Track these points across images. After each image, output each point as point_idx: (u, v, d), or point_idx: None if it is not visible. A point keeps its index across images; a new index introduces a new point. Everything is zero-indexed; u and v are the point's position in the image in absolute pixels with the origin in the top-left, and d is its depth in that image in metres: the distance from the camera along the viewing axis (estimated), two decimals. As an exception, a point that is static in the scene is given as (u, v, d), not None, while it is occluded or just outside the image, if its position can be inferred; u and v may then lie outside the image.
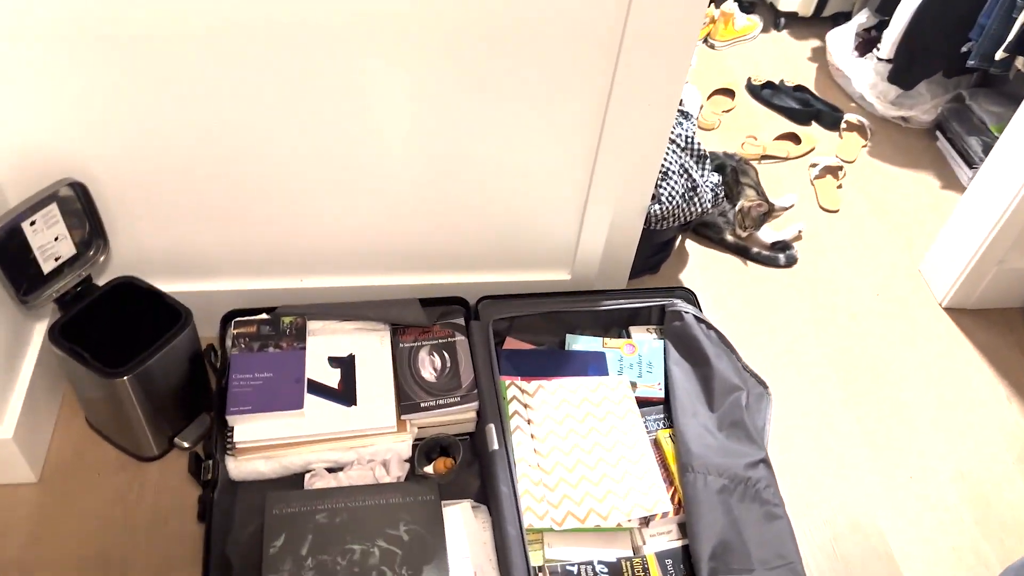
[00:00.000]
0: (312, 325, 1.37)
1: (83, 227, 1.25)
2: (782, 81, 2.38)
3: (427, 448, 1.31)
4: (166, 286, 1.32)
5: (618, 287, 1.59)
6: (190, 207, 1.31)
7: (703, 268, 1.83)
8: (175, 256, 1.37)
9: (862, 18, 2.38)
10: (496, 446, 1.25)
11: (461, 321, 1.41)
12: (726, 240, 1.86)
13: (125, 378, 1.19)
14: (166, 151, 1.22)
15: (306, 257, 1.41)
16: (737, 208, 1.81)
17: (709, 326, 1.44)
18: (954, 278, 1.77)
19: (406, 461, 1.29)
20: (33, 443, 1.30)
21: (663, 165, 1.58)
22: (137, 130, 1.19)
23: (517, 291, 1.46)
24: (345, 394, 1.30)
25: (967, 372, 1.68)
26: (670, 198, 1.57)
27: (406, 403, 1.30)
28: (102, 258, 1.28)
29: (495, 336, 1.43)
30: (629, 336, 1.49)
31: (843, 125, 2.26)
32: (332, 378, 1.32)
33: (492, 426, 1.27)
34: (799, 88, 2.37)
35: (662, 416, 1.39)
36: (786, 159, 2.16)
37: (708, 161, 1.67)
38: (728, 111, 2.30)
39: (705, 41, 2.54)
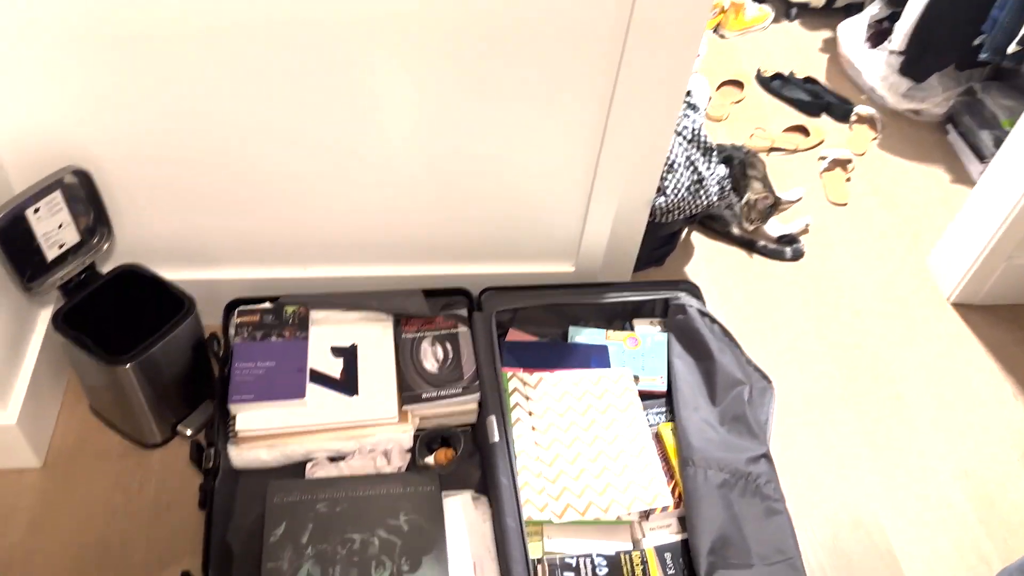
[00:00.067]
0: (315, 315, 1.37)
1: (87, 214, 1.25)
2: (792, 72, 2.36)
3: (428, 439, 1.31)
4: (170, 274, 1.33)
5: (622, 280, 1.59)
6: (194, 195, 1.31)
7: (709, 261, 1.82)
8: (179, 244, 1.37)
9: (874, 9, 2.36)
10: (497, 438, 1.25)
11: (464, 312, 1.41)
12: (732, 233, 1.85)
13: (128, 365, 1.20)
14: (171, 139, 1.22)
15: (310, 246, 1.41)
16: (743, 201, 1.80)
17: (713, 320, 1.43)
18: (962, 273, 1.76)
19: (407, 451, 1.29)
20: (37, 428, 1.30)
21: (669, 158, 1.57)
22: (142, 118, 1.19)
23: (520, 283, 1.46)
24: (347, 384, 1.30)
25: (973, 369, 1.67)
26: (675, 191, 1.56)
27: (408, 394, 1.30)
28: (106, 246, 1.29)
29: (498, 327, 1.43)
30: (632, 329, 1.49)
31: (853, 117, 2.24)
32: (334, 368, 1.32)
33: (493, 418, 1.27)
34: (809, 80, 2.35)
35: (664, 409, 1.39)
36: (795, 151, 2.14)
37: (715, 154, 1.66)
38: (737, 102, 2.29)
39: (715, 31, 2.53)
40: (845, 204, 2.01)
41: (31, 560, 1.22)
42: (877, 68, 2.27)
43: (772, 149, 2.13)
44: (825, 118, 2.27)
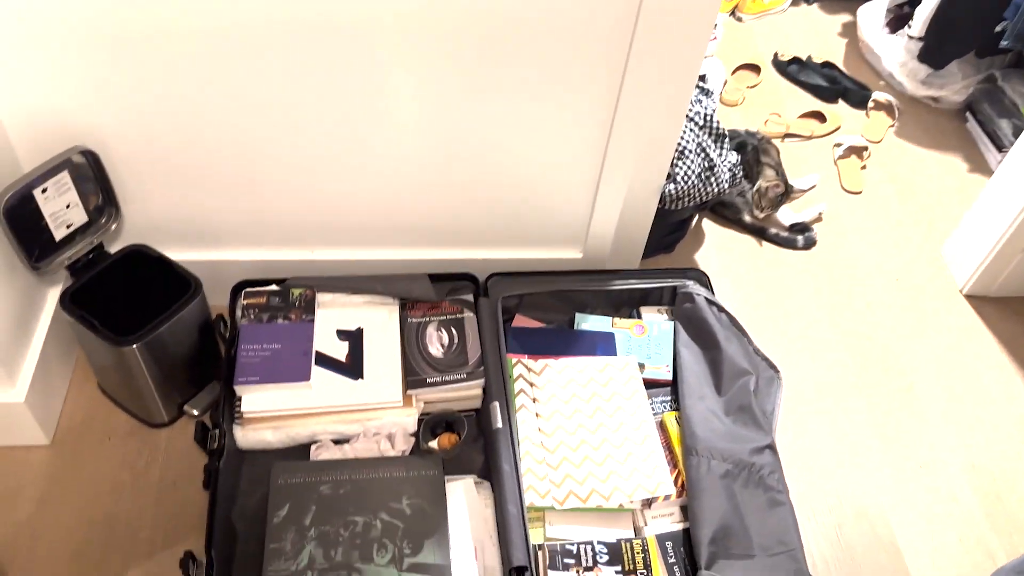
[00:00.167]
0: (321, 298, 1.37)
1: (95, 195, 1.26)
2: (810, 57, 2.33)
3: (432, 423, 1.32)
4: (177, 254, 1.33)
5: (631, 266, 1.58)
6: (202, 176, 1.31)
7: (720, 248, 1.80)
8: (187, 225, 1.37)
9: (895, -7, 2.32)
10: (500, 424, 1.25)
11: (470, 297, 1.41)
12: (744, 220, 1.84)
13: (134, 346, 1.20)
14: (179, 121, 1.22)
15: (317, 229, 1.41)
16: (755, 188, 1.78)
17: (721, 309, 1.42)
18: (976, 264, 1.74)
19: (411, 435, 1.30)
20: (45, 406, 1.32)
21: (680, 144, 1.55)
22: (150, 99, 1.19)
23: (527, 268, 1.45)
24: (352, 367, 1.30)
25: (984, 362, 1.65)
26: (686, 178, 1.55)
27: (412, 378, 1.30)
28: (114, 226, 1.29)
29: (504, 313, 1.43)
30: (640, 316, 1.48)
31: (870, 104, 2.21)
32: (340, 351, 1.32)
33: (496, 404, 1.27)
34: (827, 64, 2.32)
35: (669, 398, 1.38)
36: (810, 138, 2.11)
37: (727, 140, 1.64)
38: (753, 87, 2.26)
39: (732, 13, 2.49)
40: (860, 192, 1.99)
41: (39, 536, 1.23)
42: (896, 54, 2.23)
43: (787, 135, 2.10)
44: (842, 104, 2.24)
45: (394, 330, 1.36)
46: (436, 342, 1.35)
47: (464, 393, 1.32)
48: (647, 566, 1.17)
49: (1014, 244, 1.66)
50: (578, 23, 1.15)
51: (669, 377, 1.40)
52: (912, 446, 1.49)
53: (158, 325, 1.22)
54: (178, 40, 1.12)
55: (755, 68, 2.30)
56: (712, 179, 1.58)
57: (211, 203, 1.35)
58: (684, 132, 1.57)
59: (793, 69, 2.30)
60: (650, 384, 1.38)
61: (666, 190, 1.54)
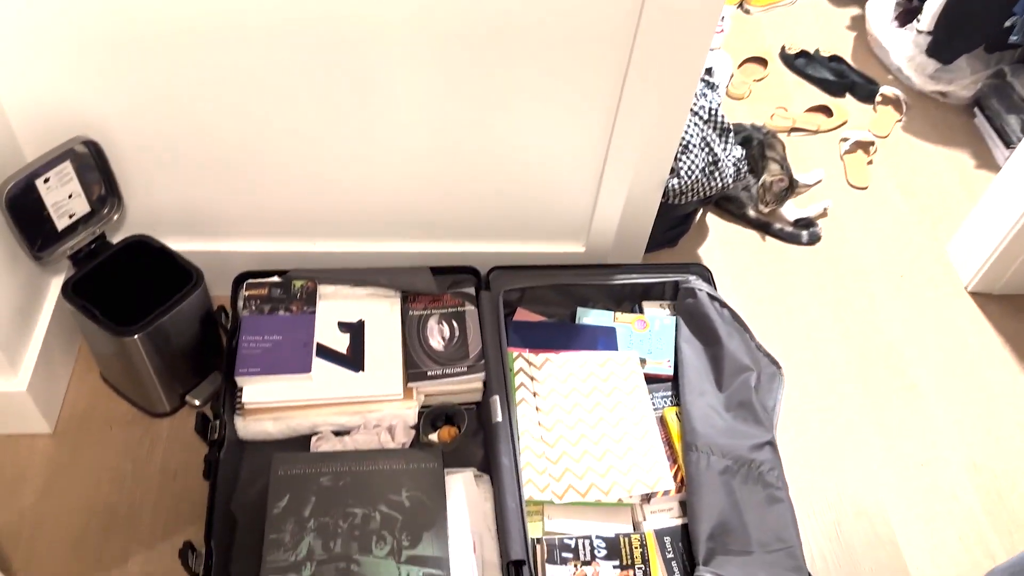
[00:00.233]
0: (323, 289, 1.37)
1: (98, 185, 1.26)
2: (817, 50, 2.31)
3: (433, 416, 1.32)
4: (180, 245, 1.33)
5: (633, 261, 1.57)
6: (204, 167, 1.31)
7: (723, 243, 1.80)
8: (189, 215, 1.38)
9: (904, -14, 2.30)
10: (499, 418, 1.25)
11: (472, 291, 1.41)
12: (748, 215, 1.83)
13: (136, 336, 1.21)
14: (182, 111, 1.22)
15: (319, 220, 1.41)
16: (759, 183, 1.77)
17: (723, 304, 1.42)
18: (982, 261, 1.73)
19: (411, 428, 1.30)
20: (48, 395, 1.32)
21: (684, 138, 1.54)
22: (153, 89, 1.19)
23: (530, 262, 1.45)
24: (353, 359, 1.31)
25: (988, 359, 1.64)
26: (689, 172, 1.54)
27: (413, 371, 1.30)
28: (116, 216, 1.29)
29: (506, 306, 1.43)
30: (642, 311, 1.48)
31: (878, 98, 2.19)
32: (341, 343, 1.32)
33: (496, 398, 1.27)
34: (835, 58, 2.30)
35: (670, 393, 1.38)
36: (816, 132, 2.10)
37: (732, 134, 1.63)
38: (760, 80, 2.25)
39: (740, 6, 2.47)
40: (866, 188, 1.98)
41: (41, 524, 1.24)
42: (904, 48, 2.22)
43: (793, 129, 2.09)
44: (849, 98, 2.22)
45: (395, 323, 1.36)
46: (437, 335, 1.35)
47: (464, 386, 1.32)
48: (645, 561, 1.17)
49: (1020, 241, 1.65)
50: (582, 17, 1.15)
51: (670, 372, 1.40)
52: (913, 444, 1.49)
53: (159, 315, 1.23)
54: (181, 31, 1.12)
55: (762, 61, 2.29)
56: (716, 174, 1.58)
57: (213, 194, 1.35)
58: (688, 126, 1.56)
59: (800, 62, 2.29)
60: (651, 379, 1.38)
61: (669, 185, 1.53)
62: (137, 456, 1.32)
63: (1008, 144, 2.03)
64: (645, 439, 1.28)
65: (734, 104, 2.15)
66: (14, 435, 1.32)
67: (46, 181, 1.17)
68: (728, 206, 1.84)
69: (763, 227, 1.83)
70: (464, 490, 1.23)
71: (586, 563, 1.17)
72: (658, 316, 1.46)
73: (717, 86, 1.69)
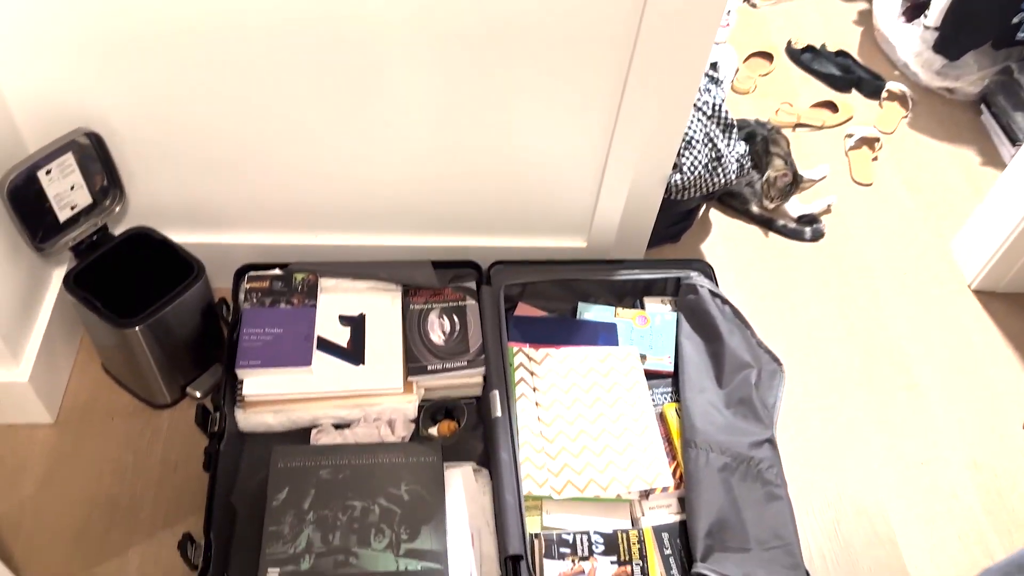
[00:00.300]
0: (324, 283, 1.37)
1: (100, 176, 1.26)
2: (824, 45, 2.30)
3: (432, 410, 1.32)
4: (182, 237, 1.33)
5: (636, 257, 1.57)
6: (206, 159, 1.31)
7: (726, 239, 1.79)
8: (191, 208, 1.38)
9: (912, -19, 2.28)
10: (499, 413, 1.25)
11: (473, 285, 1.41)
12: (751, 211, 1.82)
13: (137, 328, 1.21)
14: (184, 103, 1.22)
15: (321, 213, 1.41)
16: (763, 178, 1.77)
17: (724, 301, 1.42)
18: (986, 259, 1.72)
19: (411, 421, 1.30)
20: (49, 386, 1.33)
21: (687, 134, 1.54)
22: (154, 82, 1.19)
23: (531, 257, 1.45)
24: (354, 353, 1.31)
25: (991, 358, 1.64)
26: (692, 168, 1.54)
27: (413, 365, 1.30)
28: (118, 208, 1.30)
29: (507, 301, 1.43)
30: (643, 307, 1.48)
31: (884, 94, 2.18)
32: (342, 336, 1.32)
33: (496, 393, 1.27)
34: (841, 53, 2.29)
35: (670, 390, 1.38)
36: (821, 128, 2.09)
37: (735, 130, 1.63)
38: (765, 75, 2.24)
39: (746, 0, 2.46)
40: (870, 184, 1.97)
41: (42, 513, 1.25)
42: (911, 43, 2.20)
43: (798, 125, 2.08)
44: (855, 94, 2.21)
45: (396, 316, 1.36)
46: (438, 329, 1.35)
47: (464, 381, 1.32)
48: (643, 557, 1.17)
49: (1024, 240, 1.65)
50: (584, 14, 1.14)
51: (670, 368, 1.40)
52: (914, 442, 1.49)
53: (161, 308, 1.23)
54: (184, 25, 1.12)
55: (768, 56, 2.28)
56: (719, 170, 1.57)
57: (215, 186, 1.35)
58: (691, 122, 1.56)
59: (806, 57, 2.28)
60: (651, 375, 1.38)
61: (672, 180, 1.53)
62: (138, 447, 1.33)
63: (1014, 141, 2.02)
64: (644, 435, 1.28)
65: (739, 99, 2.15)
66: (15, 425, 1.33)
67: (48, 173, 1.17)
68: (731, 202, 1.84)
69: (766, 223, 1.82)
70: (463, 484, 1.23)
71: (584, 558, 1.17)
72: (659, 312, 1.46)
73: (721, 81, 1.68)
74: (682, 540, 1.21)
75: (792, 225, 1.82)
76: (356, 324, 1.34)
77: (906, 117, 2.15)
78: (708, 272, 1.47)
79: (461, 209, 1.42)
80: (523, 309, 1.46)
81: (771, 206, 1.80)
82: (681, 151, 1.53)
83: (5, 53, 1.14)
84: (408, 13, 1.12)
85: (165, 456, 1.32)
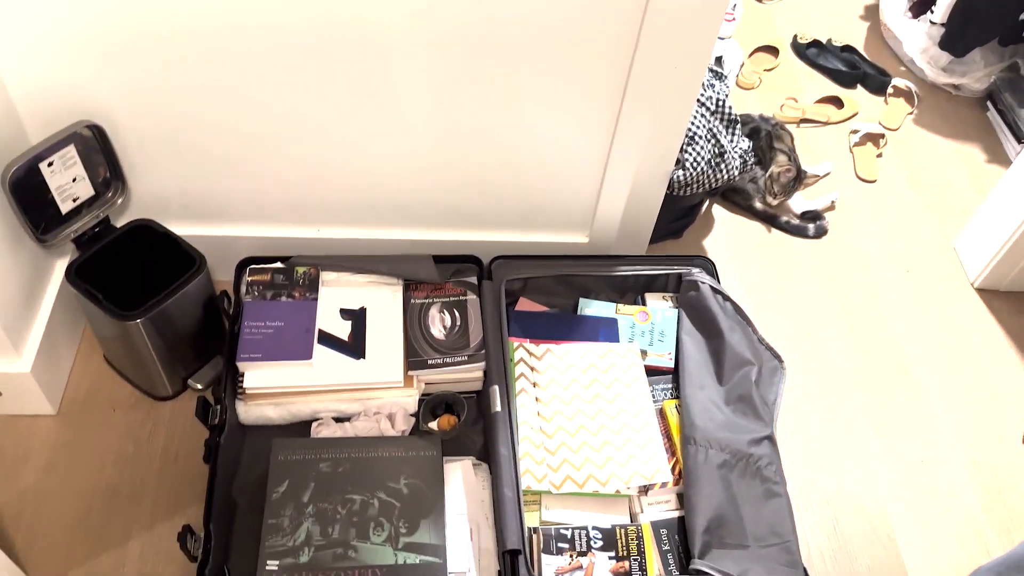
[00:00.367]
0: (325, 276, 1.38)
1: (102, 168, 1.26)
2: (830, 40, 2.29)
3: (433, 404, 1.32)
4: (184, 229, 1.34)
5: (638, 252, 1.57)
6: (209, 152, 1.31)
7: (729, 235, 1.79)
8: (193, 200, 1.38)
9: (919, -23, 2.27)
10: (499, 408, 1.25)
11: (474, 280, 1.41)
12: (755, 207, 1.82)
13: (138, 321, 1.21)
14: (187, 96, 1.22)
15: (323, 207, 1.41)
16: (767, 174, 1.76)
17: (726, 298, 1.41)
18: (989, 257, 1.71)
19: (411, 415, 1.30)
20: (51, 377, 1.33)
21: (690, 129, 1.53)
22: (158, 74, 1.19)
23: (533, 252, 1.45)
24: (354, 347, 1.31)
25: (993, 357, 1.63)
26: (695, 164, 1.53)
27: (414, 359, 1.30)
28: (120, 200, 1.30)
29: (508, 295, 1.43)
30: (644, 303, 1.48)
31: (890, 90, 2.17)
32: (343, 330, 1.33)
33: (496, 388, 1.27)
34: (847, 48, 2.28)
35: (670, 386, 1.38)
36: (826, 124, 2.09)
37: (739, 126, 1.62)
38: (770, 70, 2.23)
39: (753, -6, 2.45)
40: (874, 181, 1.96)
41: (43, 503, 1.26)
42: (918, 39, 2.19)
43: (803, 120, 2.08)
44: (860, 90, 2.20)
45: (397, 310, 1.36)
46: (438, 323, 1.35)
47: (465, 375, 1.33)
48: (640, 552, 1.18)
49: (1028, 238, 1.64)
50: (588, 7, 1.14)
51: (671, 365, 1.40)
52: (915, 440, 1.49)
53: (162, 300, 1.23)
54: (187, 17, 1.12)
55: (773, 51, 2.27)
56: (722, 166, 1.57)
57: (217, 179, 1.35)
58: (695, 117, 1.55)
59: (812, 52, 2.26)
60: (652, 371, 1.38)
61: (674, 176, 1.53)
62: (139, 438, 1.33)
63: (1020, 139, 2.01)
64: (644, 431, 1.29)
65: (744, 94, 2.14)
66: (17, 416, 1.33)
67: (50, 165, 1.17)
68: (735, 197, 1.83)
69: (769, 219, 1.82)
70: (462, 478, 1.23)
71: (582, 553, 1.17)
72: (660, 308, 1.46)
73: (725, 76, 1.67)
74: (680, 536, 1.22)
75: (795, 221, 1.81)
76: (357, 318, 1.34)
77: (911, 113, 2.14)
78: (710, 268, 1.47)
79: (462, 203, 1.42)
80: (524, 304, 1.46)
81: (774, 202, 1.80)
82: (684, 147, 1.53)
83: (8, 45, 1.14)
84: (412, 8, 1.12)
85: (166, 448, 1.33)
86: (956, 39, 2.06)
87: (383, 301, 1.37)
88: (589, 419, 1.29)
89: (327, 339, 1.31)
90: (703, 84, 1.60)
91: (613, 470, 1.24)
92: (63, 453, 1.31)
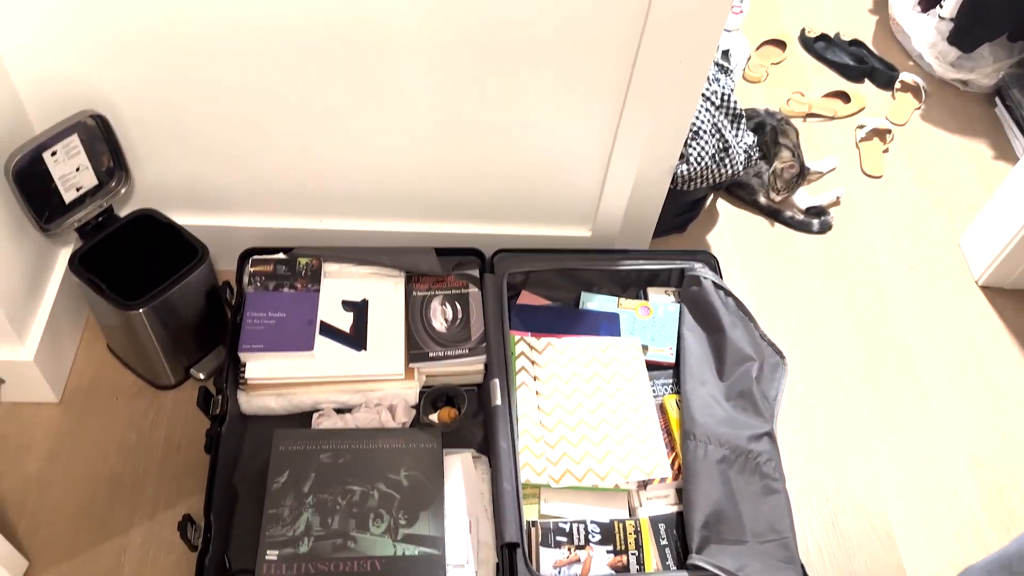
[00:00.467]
0: (328, 268, 1.38)
1: (105, 158, 1.26)
2: (838, 34, 2.27)
3: (433, 397, 1.33)
4: (187, 219, 1.34)
5: (641, 247, 1.57)
6: (213, 142, 1.31)
7: (734, 230, 1.78)
8: (196, 190, 1.38)
9: (929, -29, 2.25)
10: (499, 402, 1.25)
11: (476, 273, 1.41)
12: (759, 202, 1.81)
13: (141, 310, 1.22)
14: (190, 86, 1.22)
15: (326, 198, 1.41)
16: (771, 170, 1.75)
17: (728, 293, 1.41)
18: (994, 255, 1.71)
19: (412, 408, 1.31)
20: (55, 365, 1.34)
21: (694, 124, 1.53)
22: (162, 64, 1.19)
23: (535, 245, 1.45)
24: (356, 338, 1.31)
25: (996, 354, 1.63)
26: (699, 158, 1.53)
27: (415, 352, 1.31)
28: (123, 190, 1.30)
29: (511, 288, 1.43)
30: (647, 297, 1.48)
31: (897, 85, 2.16)
32: (344, 322, 1.33)
33: (496, 381, 1.27)
34: (855, 43, 2.27)
35: (671, 381, 1.38)
36: (832, 118, 2.07)
37: (744, 120, 1.62)
38: (777, 63, 2.21)
39: (761, -13, 2.43)
40: (880, 176, 1.95)
41: (46, 490, 1.26)
42: (926, 34, 2.18)
43: (809, 115, 2.07)
44: (868, 84, 2.19)
45: (399, 303, 1.36)
46: (440, 316, 1.35)
47: (466, 368, 1.33)
48: (639, 547, 1.18)
49: (1034, 236, 1.63)
50: (592, 1, 1.13)
51: (672, 360, 1.40)
52: (916, 438, 1.49)
53: (165, 290, 1.24)
54: (192, 8, 1.12)
55: (781, 44, 2.26)
56: (726, 161, 1.56)
57: (221, 169, 1.35)
58: (699, 112, 1.54)
59: (820, 46, 2.25)
60: (653, 366, 1.38)
61: (679, 171, 1.52)
62: (142, 427, 1.34)
63: (1028, 135, 2.00)
64: (644, 426, 1.29)
65: (750, 87, 2.13)
66: (21, 404, 1.34)
67: (53, 154, 1.17)
68: (739, 192, 1.83)
69: (774, 214, 1.81)
70: (462, 471, 1.24)
71: (580, 547, 1.18)
72: (662, 303, 1.46)
73: (731, 71, 1.67)
74: (679, 531, 1.22)
75: (800, 217, 1.81)
76: (359, 310, 1.35)
77: (919, 109, 2.13)
78: (712, 263, 1.47)
79: (465, 196, 1.42)
80: (526, 298, 1.46)
81: (778, 198, 1.79)
82: (688, 141, 1.53)
83: (13, 35, 1.14)
84: (419, 6, 1.12)
85: (168, 437, 1.34)
86: (965, 34, 2.05)
87: (385, 293, 1.37)
88: (589, 413, 1.29)
89: (329, 330, 1.31)
90: (708, 78, 1.59)
91: (613, 464, 1.24)
92: (66, 441, 1.32)
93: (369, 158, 1.35)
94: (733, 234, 1.77)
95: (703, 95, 1.57)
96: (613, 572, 1.17)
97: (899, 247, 1.80)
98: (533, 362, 1.34)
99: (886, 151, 2.01)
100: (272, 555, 1.11)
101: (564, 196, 1.43)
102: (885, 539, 1.35)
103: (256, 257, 1.37)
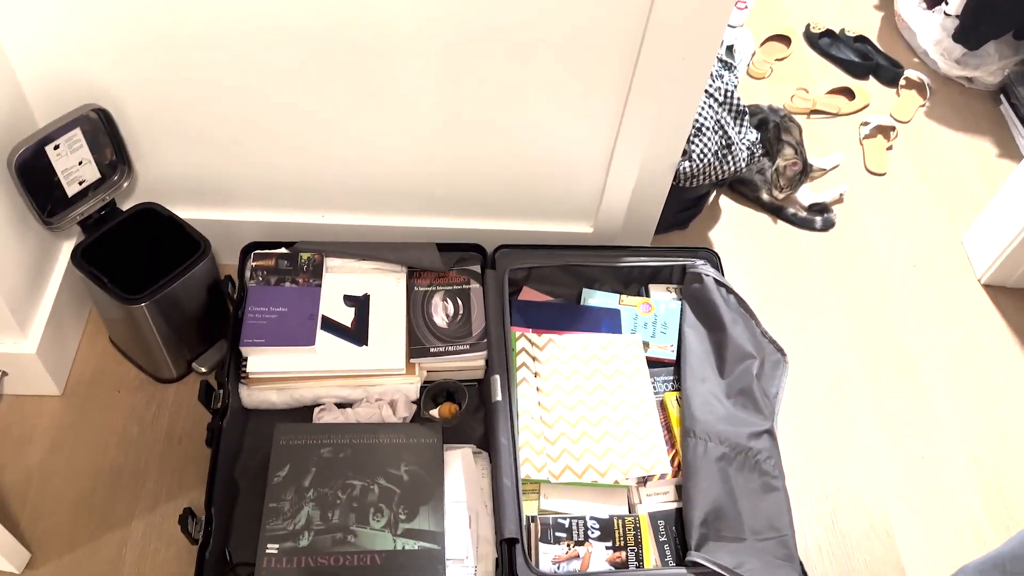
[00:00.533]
0: (329, 262, 1.38)
1: (108, 152, 1.26)
2: (843, 30, 2.26)
3: (434, 392, 1.33)
4: (189, 213, 1.34)
5: (643, 243, 1.57)
6: (215, 137, 1.31)
7: (736, 227, 1.78)
8: (199, 184, 1.38)
9: (935, -33, 2.24)
10: (499, 398, 1.26)
11: (477, 268, 1.41)
12: (762, 199, 1.81)
13: (143, 304, 1.22)
14: (194, 81, 1.23)
15: (328, 193, 1.42)
16: (774, 167, 1.75)
17: (729, 290, 1.41)
18: (997, 253, 1.70)
19: (413, 403, 1.31)
20: (57, 358, 1.35)
21: (697, 120, 1.52)
22: (165, 58, 1.19)
23: (537, 241, 1.45)
24: (357, 333, 1.32)
25: (997, 353, 1.63)
26: (702, 155, 1.52)
27: (416, 347, 1.31)
28: (126, 184, 1.30)
29: (512, 284, 1.43)
30: (648, 294, 1.48)
31: (902, 82, 2.15)
32: (346, 316, 1.33)
33: (497, 377, 1.27)
34: (860, 39, 2.26)
35: (672, 378, 1.38)
36: (836, 115, 2.07)
37: (747, 117, 1.61)
38: (781, 59, 2.21)
39: (766, -17, 2.42)
40: (884, 174, 1.95)
41: (48, 482, 1.27)
42: (932, 31, 2.17)
43: (813, 112, 2.06)
44: (872, 81, 2.18)
45: (400, 298, 1.36)
46: (441, 312, 1.35)
47: (467, 363, 1.33)
48: (638, 543, 1.18)
49: (1037, 235, 1.63)
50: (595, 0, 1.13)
51: (673, 357, 1.40)
52: (916, 437, 1.49)
53: (167, 284, 1.24)
54: (195, 4, 1.11)
55: (785, 40, 2.25)
56: (729, 157, 1.56)
57: (223, 163, 1.35)
58: (702, 108, 1.54)
59: (825, 42, 2.24)
60: (653, 363, 1.38)
61: (681, 167, 1.52)
62: (143, 420, 1.35)
63: (1033, 134, 2.00)
64: (644, 422, 1.29)
65: (754, 83, 2.12)
66: (23, 396, 1.35)
67: (56, 147, 1.18)
68: (742, 189, 1.83)
69: (777, 211, 1.81)
70: (462, 466, 1.24)
71: (579, 543, 1.18)
72: (664, 300, 1.46)
73: (735, 67, 1.66)
74: (678, 528, 1.22)
75: (803, 214, 1.81)
76: (360, 304, 1.35)
77: (923, 106, 2.12)
78: (714, 260, 1.47)
79: (467, 192, 1.42)
80: (527, 294, 1.46)
81: (781, 195, 1.79)
82: (691, 138, 1.52)
83: (17, 29, 1.14)
84: (417, 2, 1.12)
85: (170, 430, 1.34)
86: (970, 32, 2.04)
87: (387, 288, 1.37)
88: (589, 410, 1.30)
89: (330, 325, 1.32)
90: (711, 75, 1.59)
91: (612, 461, 1.24)
92: (68, 433, 1.32)
93: (371, 154, 1.35)
94: (735, 231, 1.77)
95: (706, 91, 1.57)
96: (612, 568, 1.17)
97: (902, 245, 1.80)
98: (534, 358, 1.34)
99: (890, 148, 2.00)
100: (272, 549, 1.11)
101: (566, 192, 1.43)
102: (884, 537, 1.36)
103: (258, 252, 1.37)
